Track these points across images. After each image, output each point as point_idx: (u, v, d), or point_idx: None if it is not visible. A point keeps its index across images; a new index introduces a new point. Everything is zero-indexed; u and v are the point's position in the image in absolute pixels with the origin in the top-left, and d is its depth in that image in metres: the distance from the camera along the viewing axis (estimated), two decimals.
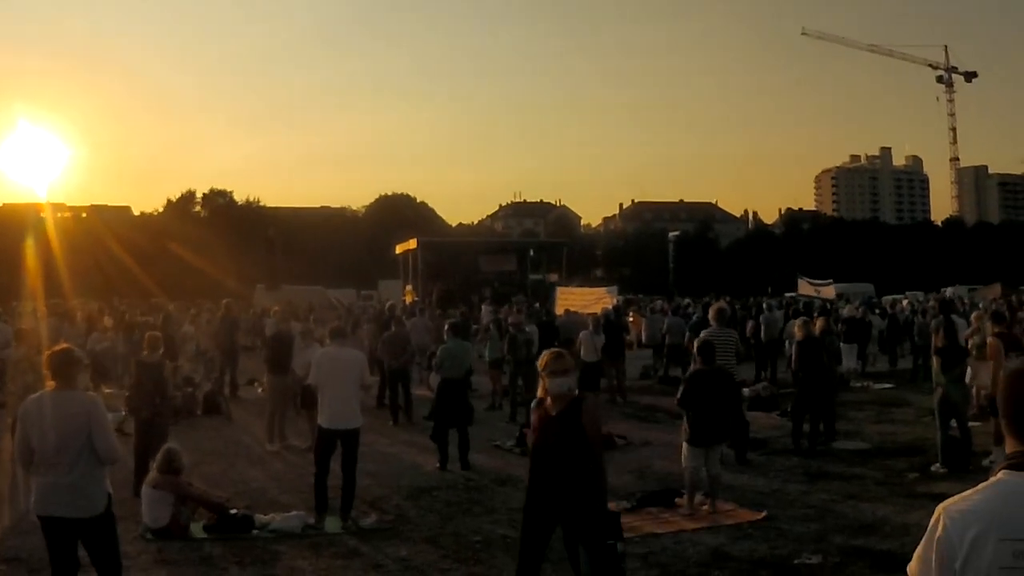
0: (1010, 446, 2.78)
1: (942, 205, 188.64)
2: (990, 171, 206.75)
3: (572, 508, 6.68)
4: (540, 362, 6.95)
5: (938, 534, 2.65)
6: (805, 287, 37.02)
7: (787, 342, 23.28)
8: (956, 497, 2.70)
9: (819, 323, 18.02)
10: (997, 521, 2.57)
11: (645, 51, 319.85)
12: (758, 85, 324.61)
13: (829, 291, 36.57)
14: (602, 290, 33.01)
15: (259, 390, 20.89)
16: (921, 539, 2.71)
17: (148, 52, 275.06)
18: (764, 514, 10.85)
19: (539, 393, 6.98)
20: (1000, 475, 2.70)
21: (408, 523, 10.89)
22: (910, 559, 2.73)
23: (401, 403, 18.83)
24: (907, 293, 60.66)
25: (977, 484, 2.59)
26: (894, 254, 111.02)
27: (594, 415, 6.99)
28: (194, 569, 9.21)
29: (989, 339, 14.07)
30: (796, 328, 16.44)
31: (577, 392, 7.21)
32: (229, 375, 22.79)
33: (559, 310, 31.14)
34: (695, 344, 12.72)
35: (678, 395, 11.62)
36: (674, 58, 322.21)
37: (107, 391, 19.52)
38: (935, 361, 13.84)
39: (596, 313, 24.24)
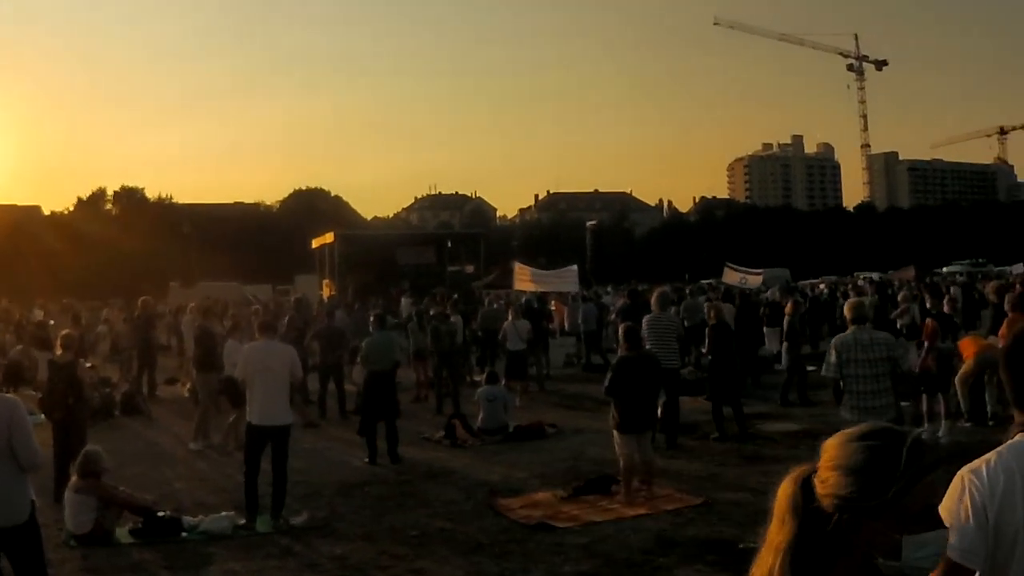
0: (1019, 416, 2.84)
1: (853, 191, 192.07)
2: (900, 157, 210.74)
3: None
4: None
5: (966, 498, 2.67)
6: (731, 275, 37.08)
7: None
8: (973, 463, 2.73)
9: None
10: (1021, 474, 2.64)
11: (558, 40, 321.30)
12: (671, 75, 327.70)
13: (756, 279, 36.76)
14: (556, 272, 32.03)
15: (183, 389, 20.33)
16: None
17: (49, 46, 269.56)
18: (704, 498, 10.78)
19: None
20: (1017, 437, 2.76)
21: (341, 520, 10.62)
22: None
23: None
24: (822, 277, 61.71)
25: None
26: (808, 240, 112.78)
27: None
28: None
29: (928, 320, 14.21)
30: (707, 311, 16.27)
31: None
32: (147, 374, 22.21)
33: (516, 286, 31.07)
34: (620, 330, 12.57)
35: (605, 383, 11.41)
36: (587, 47, 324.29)
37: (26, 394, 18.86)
38: None
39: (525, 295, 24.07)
